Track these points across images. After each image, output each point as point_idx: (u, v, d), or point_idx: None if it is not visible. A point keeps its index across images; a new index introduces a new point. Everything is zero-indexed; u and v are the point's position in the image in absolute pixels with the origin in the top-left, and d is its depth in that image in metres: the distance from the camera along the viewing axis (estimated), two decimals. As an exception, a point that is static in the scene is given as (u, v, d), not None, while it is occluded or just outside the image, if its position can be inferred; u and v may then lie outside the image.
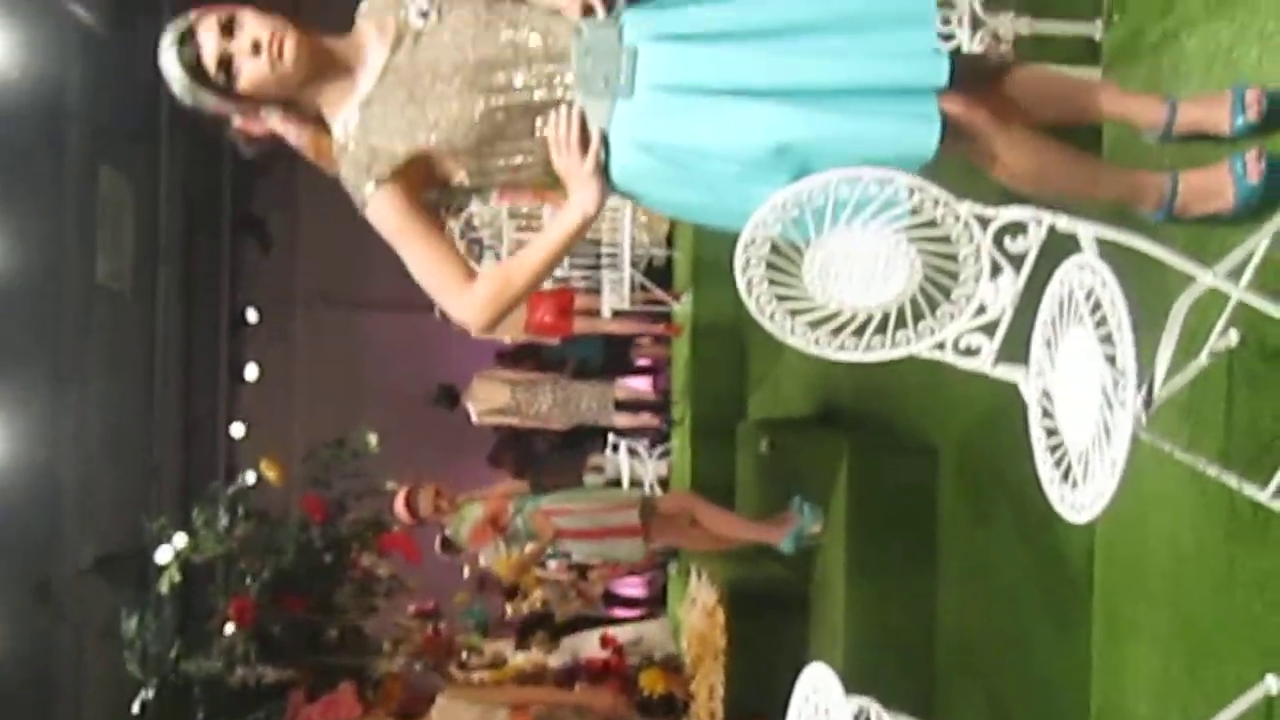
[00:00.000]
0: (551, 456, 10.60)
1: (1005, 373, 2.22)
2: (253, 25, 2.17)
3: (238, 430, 11.60)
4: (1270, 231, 2.20)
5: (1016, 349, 2.21)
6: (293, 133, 2.31)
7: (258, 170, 12.68)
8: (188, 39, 2.18)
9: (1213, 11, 2.64)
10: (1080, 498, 2.04)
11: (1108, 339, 1.96)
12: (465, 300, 2.25)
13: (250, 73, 2.18)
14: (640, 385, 11.25)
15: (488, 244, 9.55)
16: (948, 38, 3.07)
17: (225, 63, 2.17)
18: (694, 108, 2.19)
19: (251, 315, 12.40)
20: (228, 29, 2.16)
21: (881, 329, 2.25)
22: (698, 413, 9.02)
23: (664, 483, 9.35)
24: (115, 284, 10.81)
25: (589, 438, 10.30)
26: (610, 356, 10.63)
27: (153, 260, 11.01)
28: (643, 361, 11.30)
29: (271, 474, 7.10)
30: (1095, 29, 3.13)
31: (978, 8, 3.09)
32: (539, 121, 2.23)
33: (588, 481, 9.65)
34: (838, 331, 2.26)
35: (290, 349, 12.48)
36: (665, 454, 9.59)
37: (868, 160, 2.17)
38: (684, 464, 8.97)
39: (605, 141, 2.22)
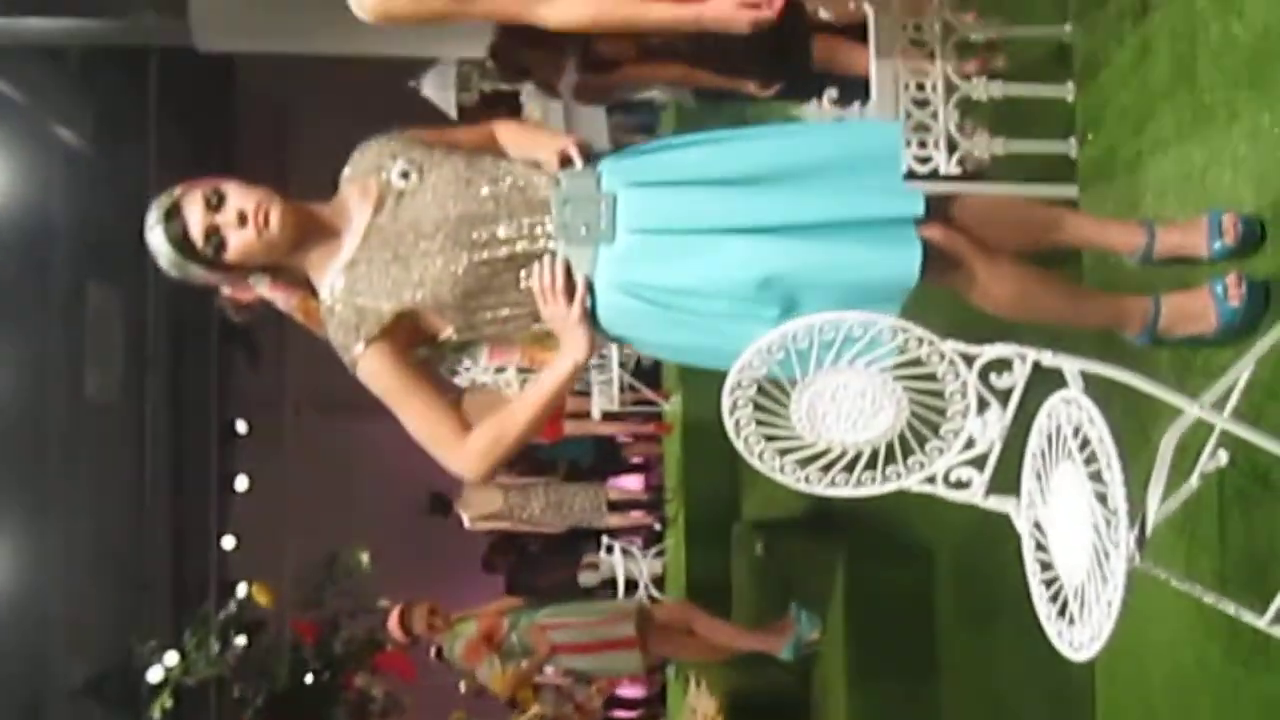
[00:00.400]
0: (545, 559, 10.53)
1: (997, 504, 2.22)
2: (237, 197, 2.19)
3: (229, 542, 11.51)
4: (1253, 357, 2.21)
5: (1009, 476, 2.21)
6: (280, 298, 2.32)
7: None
8: (173, 215, 2.20)
9: (1185, 134, 2.68)
10: (1078, 635, 2.03)
11: (1098, 476, 1.96)
12: (460, 455, 2.25)
13: (237, 243, 2.20)
14: (633, 484, 11.20)
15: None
16: (924, 160, 3.13)
17: (212, 233, 2.19)
18: (676, 248, 2.21)
19: (241, 426, 12.37)
20: (212, 203, 2.19)
21: (871, 465, 2.24)
22: (691, 512, 8.96)
23: (659, 581, 9.28)
24: (103, 397, 10.81)
25: (583, 538, 10.24)
26: (601, 457, 10.60)
27: (141, 371, 11.01)
28: (635, 459, 11.27)
29: (263, 599, 7.03)
30: (1070, 147, 3.17)
31: (953, 129, 3.15)
32: (524, 273, 2.24)
33: (582, 580, 9.59)
34: (827, 469, 2.26)
35: (280, 459, 12.42)
36: (660, 553, 9.53)
37: (853, 288, 2.19)
38: (678, 563, 8.90)
39: (591, 288, 2.24)
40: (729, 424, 2.23)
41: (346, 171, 2.36)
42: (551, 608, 5.91)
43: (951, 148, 3.12)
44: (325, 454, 12.34)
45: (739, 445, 2.24)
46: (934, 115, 3.13)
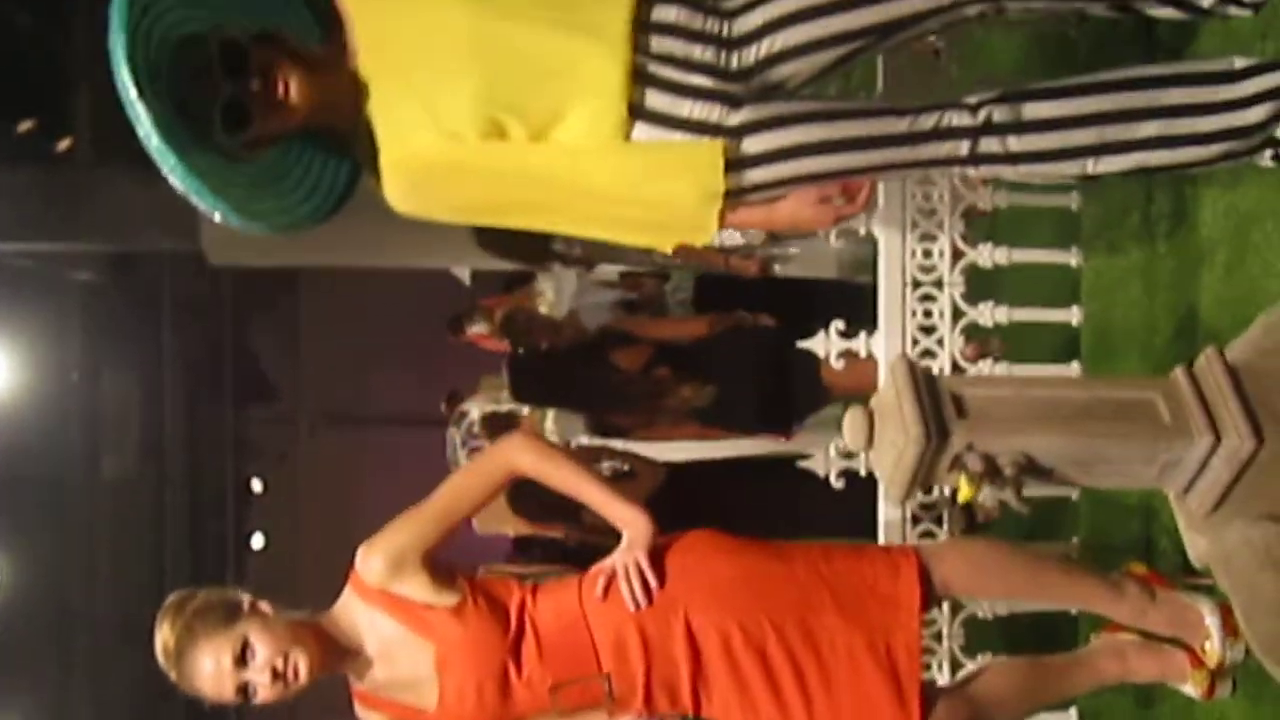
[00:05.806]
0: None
1: None
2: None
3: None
4: None
5: None
6: None
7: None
8: None
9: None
10: None
11: None
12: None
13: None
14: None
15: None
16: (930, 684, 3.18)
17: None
18: None
19: (256, 485, 12.44)
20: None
21: None
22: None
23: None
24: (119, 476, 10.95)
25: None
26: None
27: (158, 448, 11.13)
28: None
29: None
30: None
31: (959, 652, 3.19)
32: None
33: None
34: None
35: (296, 517, 12.45)
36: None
37: None
38: None
39: None
40: None
41: None
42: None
43: (955, 667, 3.16)
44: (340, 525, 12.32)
45: None
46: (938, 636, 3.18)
